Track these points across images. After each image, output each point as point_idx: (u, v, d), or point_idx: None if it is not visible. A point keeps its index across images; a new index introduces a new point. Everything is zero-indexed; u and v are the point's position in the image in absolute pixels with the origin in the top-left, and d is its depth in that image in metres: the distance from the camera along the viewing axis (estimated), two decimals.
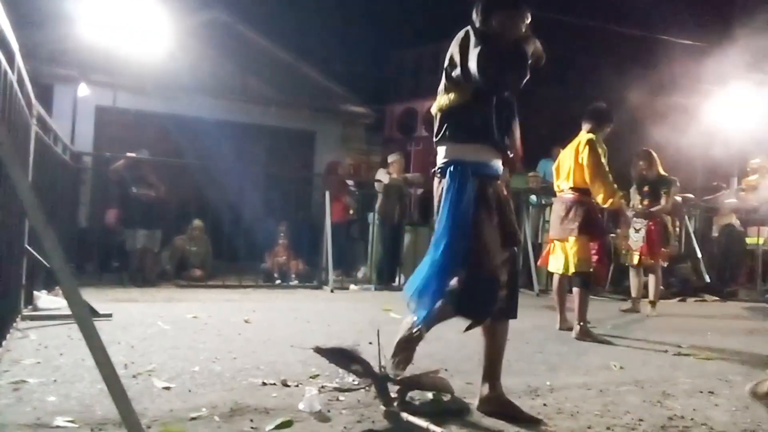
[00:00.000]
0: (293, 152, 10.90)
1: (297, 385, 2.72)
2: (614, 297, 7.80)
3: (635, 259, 6.35)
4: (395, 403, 2.40)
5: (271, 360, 3.21)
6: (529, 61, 2.40)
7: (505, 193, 2.62)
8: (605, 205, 4.69)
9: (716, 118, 9.35)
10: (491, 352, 2.49)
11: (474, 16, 2.49)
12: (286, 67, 10.96)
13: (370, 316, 4.88)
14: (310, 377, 2.87)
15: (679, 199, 8.30)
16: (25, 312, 4.14)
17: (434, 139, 2.56)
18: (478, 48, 2.32)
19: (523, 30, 2.50)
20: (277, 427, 2.17)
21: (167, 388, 2.59)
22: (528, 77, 2.39)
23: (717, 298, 8.47)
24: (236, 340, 3.77)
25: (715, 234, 9.59)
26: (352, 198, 8.92)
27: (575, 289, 4.58)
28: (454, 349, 3.83)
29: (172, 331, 3.98)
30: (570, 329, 4.57)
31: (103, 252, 7.43)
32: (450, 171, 2.45)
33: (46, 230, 1.77)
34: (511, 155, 2.60)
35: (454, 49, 2.47)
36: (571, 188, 4.71)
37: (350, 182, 9.11)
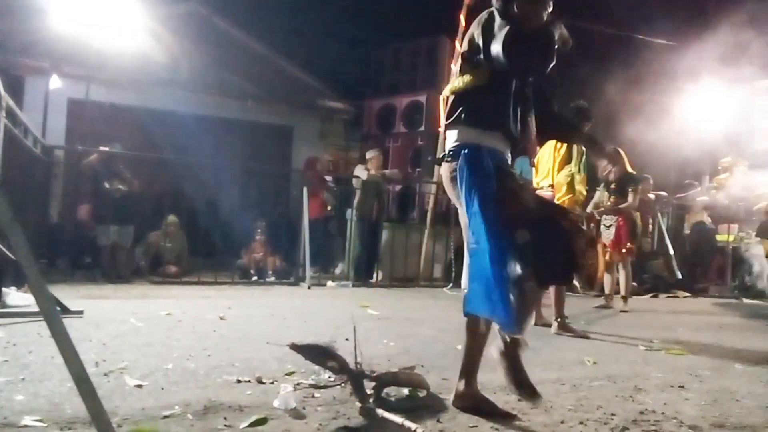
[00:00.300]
0: (271, 147, 10.81)
1: (272, 382, 2.70)
2: (588, 293, 7.91)
3: (606, 256, 6.47)
4: (371, 400, 2.40)
5: (247, 357, 3.19)
6: (556, 46, 2.28)
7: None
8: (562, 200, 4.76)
9: (689, 117, 9.52)
10: (470, 348, 2.49)
11: (494, 1, 2.38)
12: (264, 61, 10.86)
13: (347, 312, 4.85)
14: (286, 374, 2.85)
15: (652, 196, 8.45)
16: None
17: (445, 122, 2.46)
18: (505, 29, 2.22)
19: (545, 18, 2.41)
20: (252, 424, 2.15)
21: (139, 386, 2.55)
22: (554, 62, 2.29)
23: (688, 294, 8.65)
24: (211, 337, 3.73)
25: (686, 231, 9.79)
26: (330, 194, 8.90)
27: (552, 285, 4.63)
28: (430, 345, 3.85)
29: (145, 328, 3.92)
30: (546, 325, 4.63)
31: (75, 248, 7.30)
32: (464, 153, 2.34)
33: (13, 225, 1.72)
34: (525, 146, 2.54)
35: (475, 31, 2.36)
36: (550, 185, 4.78)
37: (328, 178, 9.08)
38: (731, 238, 9.33)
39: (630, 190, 6.31)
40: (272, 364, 3.03)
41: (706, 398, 2.86)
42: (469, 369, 2.48)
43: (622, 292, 6.36)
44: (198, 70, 10.12)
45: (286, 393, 2.39)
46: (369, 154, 8.69)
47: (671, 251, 8.95)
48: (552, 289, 4.61)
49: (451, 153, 2.41)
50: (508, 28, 2.22)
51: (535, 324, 4.83)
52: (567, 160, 4.74)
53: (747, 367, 3.68)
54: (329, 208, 8.94)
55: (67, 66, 8.85)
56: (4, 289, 4.39)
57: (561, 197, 4.71)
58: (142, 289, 6.25)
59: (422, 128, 10.75)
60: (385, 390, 2.57)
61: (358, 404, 2.35)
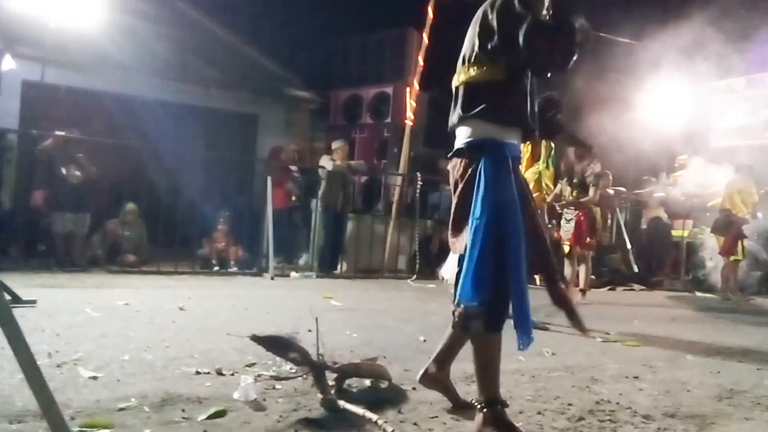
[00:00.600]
0: (235, 136, 10.62)
1: (232, 374, 2.66)
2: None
3: (566, 249, 6.59)
4: (332, 391, 2.39)
5: (206, 348, 3.14)
6: (578, 39, 2.15)
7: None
8: None
9: (647, 114, 9.75)
10: (454, 342, 2.41)
11: None
12: (228, 47, 10.63)
13: (310, 303, 4.83)
14: (246, 366, 2.82)
15: (611, 191, 8.64)
16: None
17: (460, 114, 2.26)
18: (527, 20, 2.06)
19: (546, 6, 2.24)
20: (210, 416, 2.12)
21: (94, 378, 2.49)
22: (575, 57, 2.16)
23: (644, 287, 8.90)
24: (170, 328, 3.66)
25: (643, 226, 10.06)
26: (295, 184, 8.82)
27: None
28: (393, 336, 3.86)
29: (101, 318, 3.82)
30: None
31: (29, 235, 7.07)
32: (486, 149, 2.20)
33: None
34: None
35: (491, 16, 2.18)
36: None
37: (293, 168, 8.99)
38: (686, 234, 9.63)
39: (591, 185, 6.44)
40: (232, 356, 3.00)
41: (659, 388, 2.95)
42: (447, 359, 2.45)
43: (581, 285, 6.49)
44: (160, 54, 9.84)
45: (247, 385, 2.36)
46: (335, 145, 8.64)
47: (629, 245, 9.19)
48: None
49: (466, 148, 2.25)
50: (530, 20, 2.06)
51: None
52: (536, 156, 4.82)
53: (698, 358, 3.81)
54: (294, 198, 8.86)
55: (21, 46, 8.48)
56: None
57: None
58: (99, 278, 6.09)
59: (388, 120, 10.73)
60: (347, 381, 2.57)
61: (320, 396, 2.34)
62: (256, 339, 2.47)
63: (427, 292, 6.76)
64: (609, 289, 8.57)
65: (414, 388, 2.63)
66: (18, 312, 1.74)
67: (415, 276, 7.88)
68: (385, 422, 2.09)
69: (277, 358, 2.67)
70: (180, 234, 7.53)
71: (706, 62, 9.18)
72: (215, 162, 8.97)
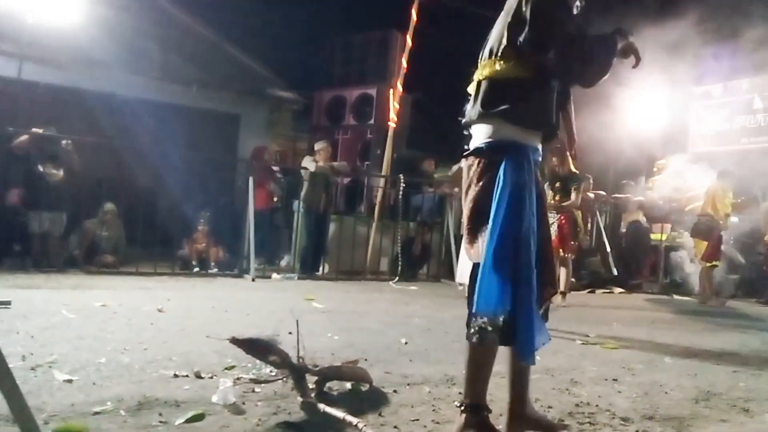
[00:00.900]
0: (216, 135, 10.52)
1: (211, 377, 2.63)
2: None
3: None
4: (313, 395, 2.38)
5: (185, 351, 3.10)
6: (615, 57, 2.05)
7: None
8: None
9: (628, 119, 9.87)
10: (516, 370, 2.33)
11: None
12: (211, 45, 10.54)
13: (291, 305, 4.79)
14: (226, 368, 2.79)
15: (591, 195, 8.72)
16: None
17: (480, 110, 2.11)
18: (564, 33, 1.95)
19: (575, 12, 2.13)
20: (188, 420, 2.09)
21: (69, 381, 2.44)
22: (606, 76, 2.05)
23: (623, 290, 9.00)
24: (148, 330, 3.61)
25: (623, 230, 10.18)
26: (277, 185, 8.76)
27: None
28: (374, 339, 3.84)
29: (77, 320, 3.75)
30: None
31: (4, 234, 6.91)
32: (509, 152, 2.06)
33: None
34: (568, 143, 2.36)
35: (525, 8, 2.04)
36: None
37: (275, 168, 8.94)
38: (664, 237, 9.77)
39: (573, 188, 6.49)
40: (211, 358, 2.96)
41: (637, 391, 2.98)
42: (522, 390, 2.31)
43: (561, 287, 6.53)
44: (141, 52, 9.71)
45: (226, 388, 2.33)
46: (318, 146, 8.61)
47: (608, 248, 9.29)
48: None
49: (486, 148, 2.10)
50: (567, 33, 1.96)
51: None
52: None
53: (676, 360, 3.85)
54: (275, 199, 8.81)
55: None
56: None
57: None
58: (76, 279, 5.99)
59: (372, 121, 10.73)
60: (328, 384, 2.55)
61: (300, 399, 2.32)
62: (236, 341, 2.45)
63: (409, 294, 6.76)
64: (588, 292, 8.65)
65: (395, 391, 2.62)
66: None
67: (397, 278, 7.88)
68: (365, 425, 2.08)
69: (257, 361, 2.64)
70: (160, 234, 7.44)
71: (686, 67, 9.31)
72: (196, 162, 8.87)
